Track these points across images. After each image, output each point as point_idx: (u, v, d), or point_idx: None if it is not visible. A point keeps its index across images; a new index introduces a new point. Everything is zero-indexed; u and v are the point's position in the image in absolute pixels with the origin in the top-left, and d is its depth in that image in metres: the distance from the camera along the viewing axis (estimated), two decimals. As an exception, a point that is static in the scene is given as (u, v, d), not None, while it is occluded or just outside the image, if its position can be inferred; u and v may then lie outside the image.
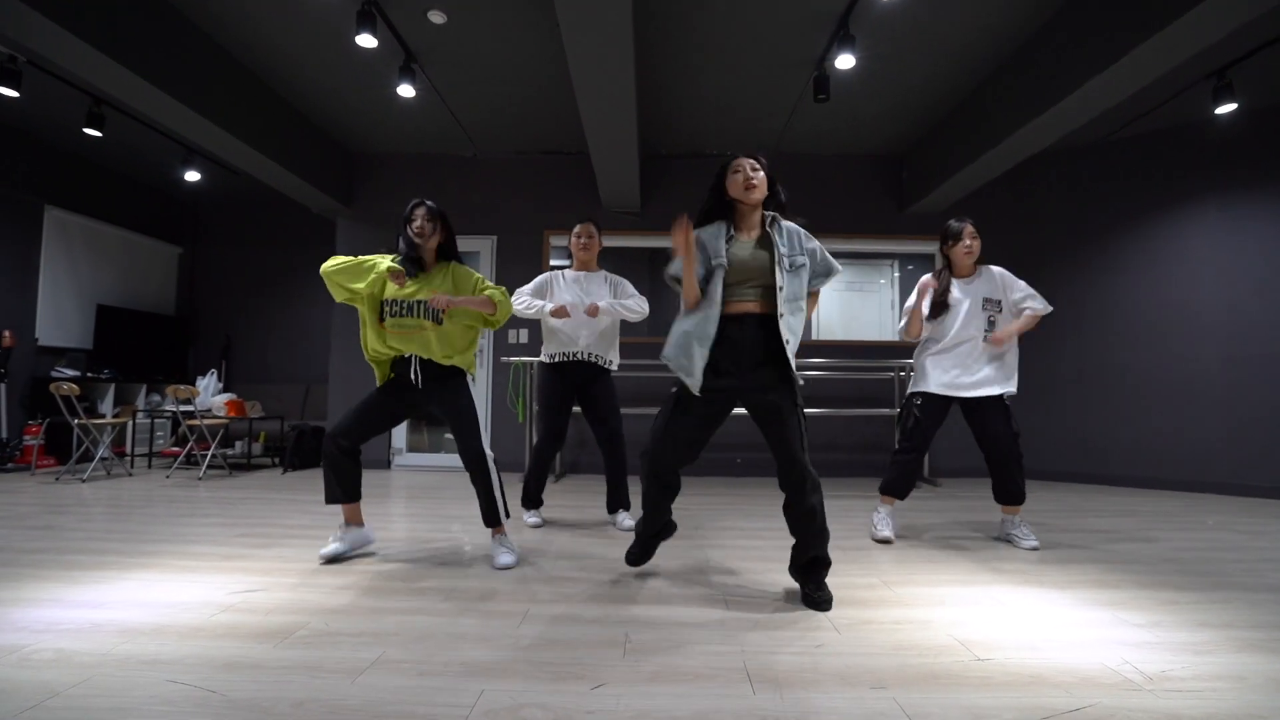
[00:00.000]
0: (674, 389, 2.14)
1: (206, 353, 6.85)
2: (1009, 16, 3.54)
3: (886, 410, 5.03)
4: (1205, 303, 4.57)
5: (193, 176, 5.62)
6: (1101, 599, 2.10)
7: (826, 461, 5.30)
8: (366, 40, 3.36)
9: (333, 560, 2.50)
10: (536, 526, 3.24)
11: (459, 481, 4.75)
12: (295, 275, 6.82)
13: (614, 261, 6.98)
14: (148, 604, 1.94)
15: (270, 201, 6.48)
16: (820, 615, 1.93)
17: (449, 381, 2.56)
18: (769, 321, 2.06)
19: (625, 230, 5.47)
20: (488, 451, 2.56)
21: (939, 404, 2.98)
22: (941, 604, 2.05)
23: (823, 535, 2.03)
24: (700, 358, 2.02)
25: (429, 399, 2.56)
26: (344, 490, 2.55)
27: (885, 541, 2.97)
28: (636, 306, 3.20)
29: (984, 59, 3.97)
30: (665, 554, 2.67)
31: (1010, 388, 2.96)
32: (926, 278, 3.09)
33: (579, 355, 3.19)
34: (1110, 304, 4.95)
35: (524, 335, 5.42)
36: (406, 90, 3.94)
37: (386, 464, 5.45)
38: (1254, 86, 4.07)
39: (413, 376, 2.53)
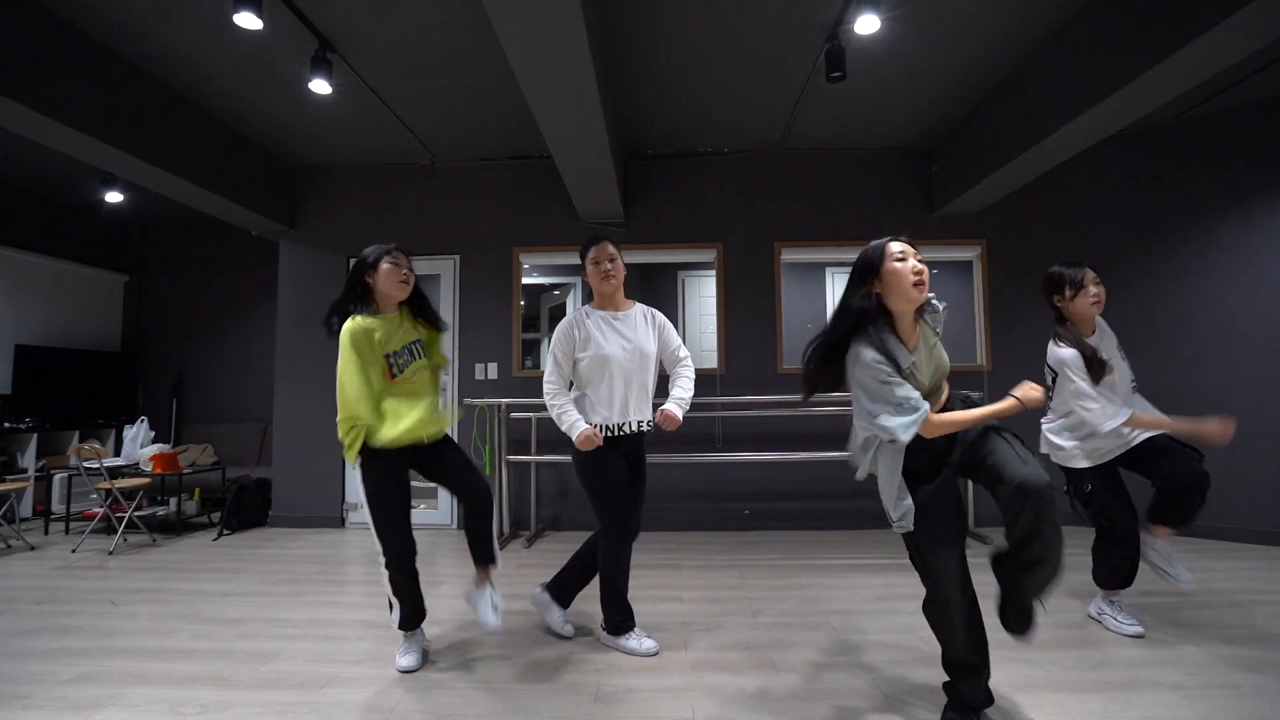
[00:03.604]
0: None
1: (156, 391, 6.18)
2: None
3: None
4: (1320, 315, 3.70)
5: (115, 198, 4.95)
6: None
7: (842, 510, 4.47)
8: (248, 20, 2.62)
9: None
10: (653, 653, 2.36)
11: (433, 549, 4.00)
12: (252, 302, 6.12)
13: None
14: None
15: (222, 221, 5.80)
16: None
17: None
18: None
19: (608, 244, 4.70)
20: None
21: (1114, 471, 2.46)
22: None
23: None
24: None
25: (432, 449, 2.34)
26: (419, 608, 2.36)
27: (1138, 636, 2.44)
28: (691, 378, 2.54)
29: (1038, 20, 3.15)
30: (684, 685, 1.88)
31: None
32: (1071, 354, 2.39)
33: (629, 427, 2.42)
34: (1193, 315, 4.08)
35: (493, 370, 4.67)
36: (321, 86, 3.21)
37: (340, 522, 4.72)
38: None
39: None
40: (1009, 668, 2.20)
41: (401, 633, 2.32)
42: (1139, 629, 2.45)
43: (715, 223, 4.69)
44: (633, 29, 3.17)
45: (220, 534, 4.44)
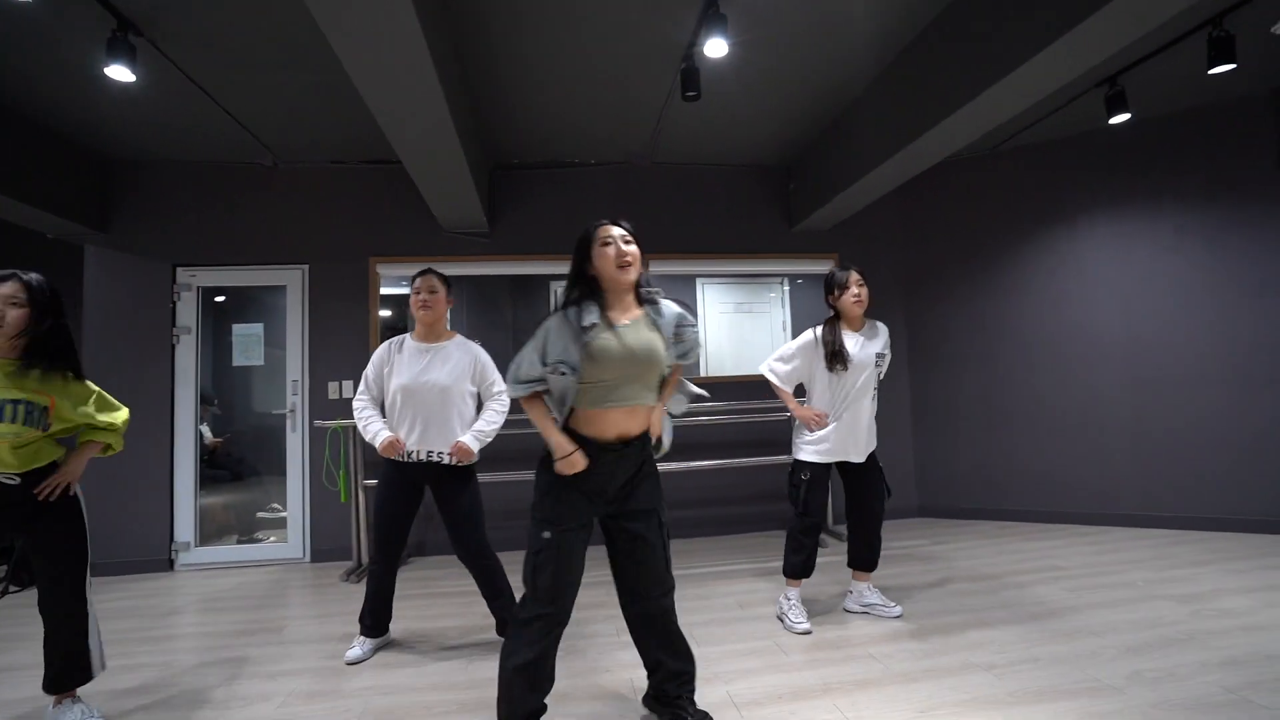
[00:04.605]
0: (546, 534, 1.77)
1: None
2: (896, 6, 2.99)
3: (786, 456, 4.40)
4: (1103, 324, 4.31)
5: None
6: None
7: (721, 517, 4.62)
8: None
9: None
10: (357, 661, 2.55)
11: (280, 587, 3.62)
12: (54, 316, 5.27)
13: (465, 292, 6.00)
14: None
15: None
16: None
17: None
18: None
19: (474, 256, 4.53)
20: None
21: (827, 470, 2.76)
22: None
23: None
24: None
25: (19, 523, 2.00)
26: None
27: (805, 633, 2.65)
28: (499, 411, 2.62)
29: (874, 55, 3.42)
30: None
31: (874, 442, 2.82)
32: (809, 334, 2.78)
33: (418, 455, 2.52)
34: (1012, 325, 4.62)
35: (348, 388, 4.33)
36: (121, 73, 2.80)
37: (167, 564, 4.16)
38: (1140, 95, 3.80)
39: None
40: (851, 665, 2.33)
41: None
42: (809, 625, 2.68)
43: (585, 234, 4.65)
44: (488, 40, 3.07)
45: (5, 590, 3.76)
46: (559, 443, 1.74)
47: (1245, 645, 2.36)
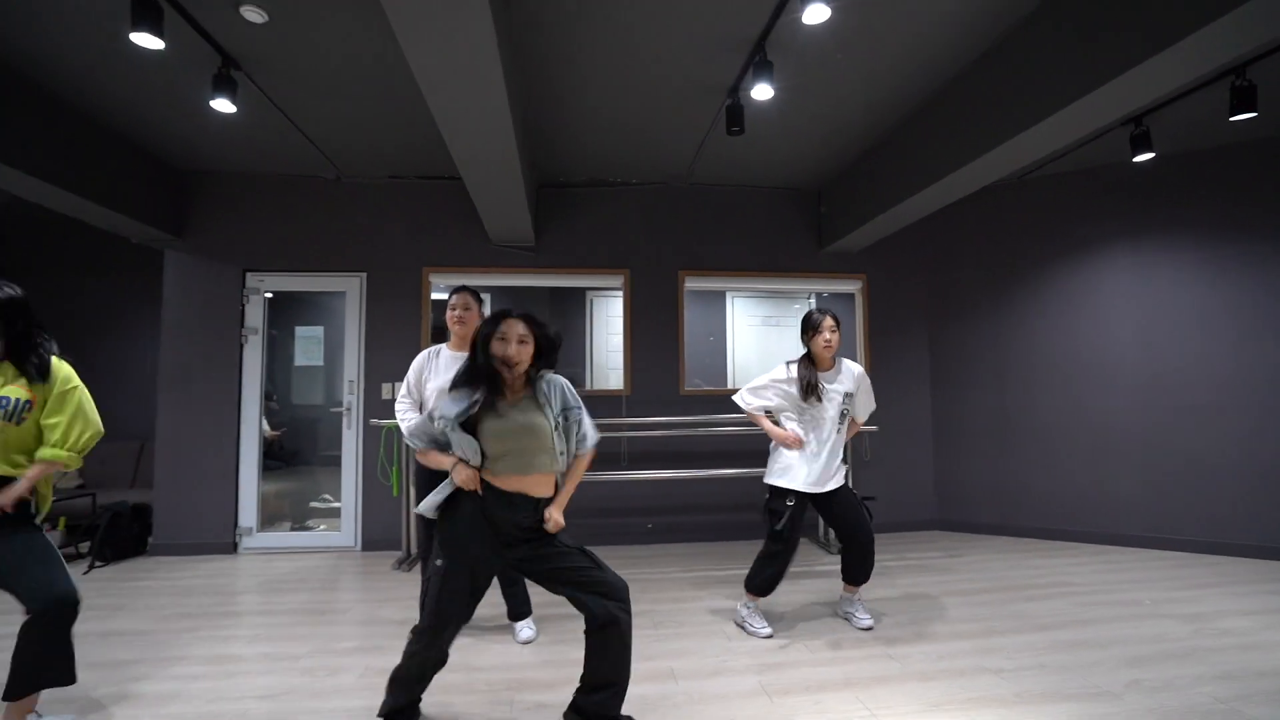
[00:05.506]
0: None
1: (6, 406, 5.54)
2: (937, 54, 3.19)
3: (809, 466, 4.62)
4: (1119, 351, 4.47)
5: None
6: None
7: (746, 523, 4.84)
8: (147, 40, 2.54)
9: None
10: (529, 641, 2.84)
11: (337, 573, 3.92)
12: (127, 310, 5.66)
13: (507, 301, 6.29)
14: None
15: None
16: None
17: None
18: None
19: (519, 268, 4.81)
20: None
21: (805, 500, 2.87)
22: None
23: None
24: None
25: None
26: None
27: (768, 638, 2.84)
28: None
29: (904, 99, 3.63)
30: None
31: (844, 476, 2.95)
32: (783, 368, 2.93)
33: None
34: (1030, 348, 4.79)
35: (400, 390, 4.62)
36: (224, 105, 3.12)
37: (231, 547, 4.50)
38: (1162, 134, 3.96)
39: None
40: (871, 663, 2.56)
41: None
42: (770, 630, 2.87)
43: (623, 250, 4.92)
44: (550, 74, 3.33)
45: (91, 566, 4.11)
46: (449, 460, 1.92)
47: (1241, 662, 2.54)
